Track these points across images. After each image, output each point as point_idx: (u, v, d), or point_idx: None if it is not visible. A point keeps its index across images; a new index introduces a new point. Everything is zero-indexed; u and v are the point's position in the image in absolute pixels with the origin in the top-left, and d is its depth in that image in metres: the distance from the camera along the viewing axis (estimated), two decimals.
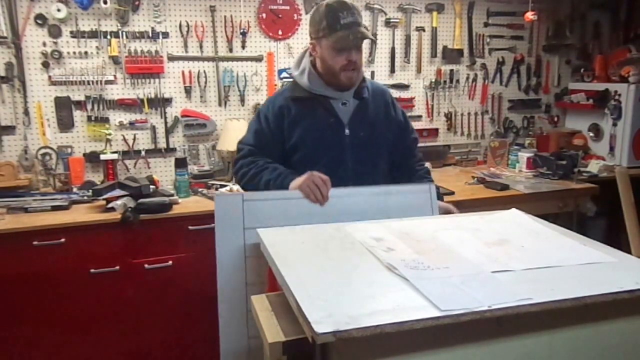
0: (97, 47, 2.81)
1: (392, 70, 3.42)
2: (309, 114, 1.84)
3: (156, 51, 2.89)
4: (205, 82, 3.02)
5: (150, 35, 2.88)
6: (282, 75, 3.15)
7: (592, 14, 3.84)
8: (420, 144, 2.12)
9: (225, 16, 3.00)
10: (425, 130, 3.54)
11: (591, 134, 3.60)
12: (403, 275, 1.09)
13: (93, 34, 2.79)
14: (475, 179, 3.14)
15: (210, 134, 3.07)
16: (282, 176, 1.75)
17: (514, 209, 1.63)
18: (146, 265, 2.43)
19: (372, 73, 3.37)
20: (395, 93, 3.35)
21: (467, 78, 3.62)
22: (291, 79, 1.98)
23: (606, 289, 1.02)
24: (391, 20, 3.35)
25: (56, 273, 2.30)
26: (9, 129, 2.73)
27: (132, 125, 2.92)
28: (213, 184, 2.82)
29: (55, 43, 2.74)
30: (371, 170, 1.88)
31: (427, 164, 2.19)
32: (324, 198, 1.64)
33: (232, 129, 2.91)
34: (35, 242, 2.25)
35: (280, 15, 3.11)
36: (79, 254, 2.33)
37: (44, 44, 2.73)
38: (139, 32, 2.86)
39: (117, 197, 2.43)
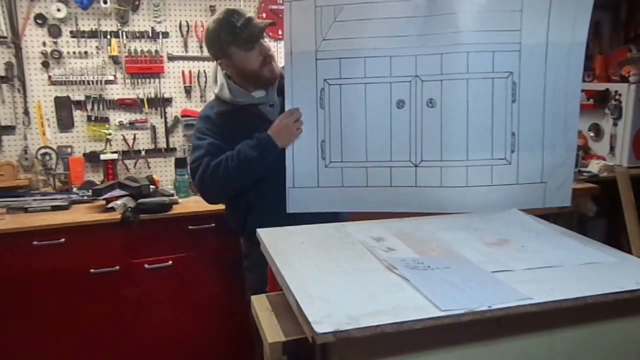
0: (97, 47, 2.81)
1: None
2: (241, 126, 1.80)
3: (156, 51, 2.89)
4: (205, 82, 3.02)
5: (150, 35, 2.88)
6: None
7: (592, 14, 3.82)
8: None
9: None
10: None
11: (591, 134, 3.59)
12: (403, 275, 1.09)
13: (93, 34, 2.79)
14: None
15: None
16: (251, 142, 1.73)
17: (514, 209, 1.63)
18: (146, 265, 2.43)
19: None
20: None
21: None
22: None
23: (606, 289, 1.02)
24: None
25: (56, 273, 2.31)
26: (9, 129, 2.73)
27: (132, 125, 2.92)
28: None
29: (55, 43, 2.74)
30: None
31: None
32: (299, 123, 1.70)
33: None
34: (35, 242, 2.25)
35: (280, 15, 3.10)
36: (79, 254, 2.33)
37: (44, 44, 2.73)
38: (139, 32, 2.86)
39: (117, 197, 2.43)
